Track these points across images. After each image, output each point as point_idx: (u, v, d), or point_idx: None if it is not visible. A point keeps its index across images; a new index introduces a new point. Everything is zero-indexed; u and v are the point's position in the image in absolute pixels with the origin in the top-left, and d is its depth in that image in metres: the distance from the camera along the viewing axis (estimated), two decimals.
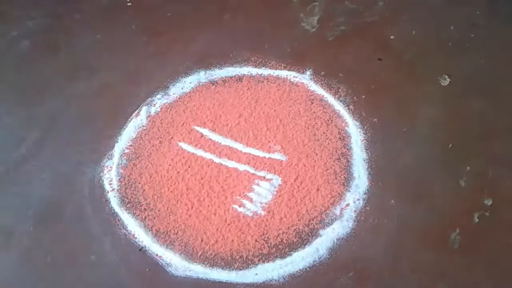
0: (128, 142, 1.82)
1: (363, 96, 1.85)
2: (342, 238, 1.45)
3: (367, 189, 1.56)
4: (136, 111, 2.15)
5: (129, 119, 2.10)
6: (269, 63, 2.03)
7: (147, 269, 1.42)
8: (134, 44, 2.56)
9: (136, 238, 1.50)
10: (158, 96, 2.23)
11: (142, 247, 1.46)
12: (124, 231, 1.51)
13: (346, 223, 1.47)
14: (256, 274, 1.37)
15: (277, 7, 2.27)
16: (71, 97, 2.22)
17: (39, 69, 2.41)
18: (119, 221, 1.52)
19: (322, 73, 1.96)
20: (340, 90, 1.89)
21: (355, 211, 1.49)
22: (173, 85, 2.29)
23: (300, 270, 1.39)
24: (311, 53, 2.05)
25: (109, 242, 1.47)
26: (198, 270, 1.41)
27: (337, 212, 1.49)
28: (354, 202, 1.52)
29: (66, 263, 1.46)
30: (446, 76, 1.88)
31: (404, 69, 1.90)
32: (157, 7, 2.74)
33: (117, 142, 1.93)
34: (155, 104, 2.20)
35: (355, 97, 1.86)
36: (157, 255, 1.45)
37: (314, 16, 2.19)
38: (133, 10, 2.79)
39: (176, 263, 1.42)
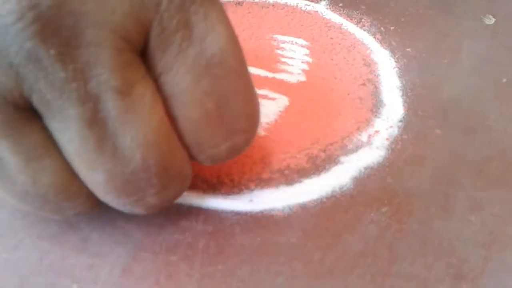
0: None
1: (392, 28, 1.50)
2: (372, 167, 1.05)
3: (403, 117, 1.18)
4: None
5: None
6: None
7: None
8: None
9: None
10: None
11: None
12: None
13: (377, 151, 1.08)
14: (251, 200, 0.95)
15: None
16: None
17: None
18: None
19: (341, 4, 1.61)
20: (363, 20, 1.54)
21: (387, 138, 1.10)
22: None
23: (314, 200, 0.98)
24: None
25: None
26: None
27: (364, 138, 1.10)
28: (386, 129, 1.13)
29: None
30: (491, 16, 1.57)
31: (439, 7, 1.57)
32: None
33: None
34: None
35: (382, 28, 1.51)
36: None
37: None
38: None
39: None
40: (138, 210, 0.65)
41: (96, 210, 0.74)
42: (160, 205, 0.65)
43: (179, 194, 0.67)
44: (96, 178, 0.57)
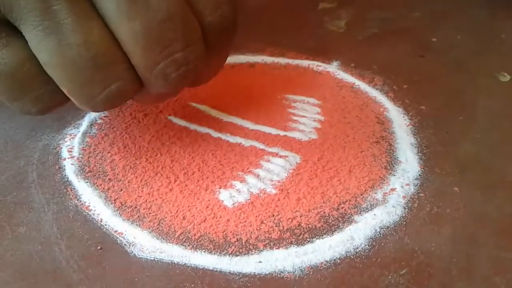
0: (103, 113, 1.43)
1: (405, 86, 1.50)
2: (388, 226, 1.00)
3: (419, 175, 1.14)
4: None
5: None
6: (288, 54, 1.69)
7: (98, 247, 0.96)
8: None
9: (91, 210, 1.05)
10: None
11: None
12: (76, 201, 1.07)
13: (393, 210, 1.03)
14: (260, 262, 0.91)
15: (297, 11, 2.01)
16: None
17: None
18: (71, 190, 1.09)
19: (352, 64, 1.62)
20: (375, 79, 1.53)
21: (404, 197, 1.06)
22: None
23: (327, 262, 0.93)
24: (337, 48, 1.73)
25: (51, 212, 1.03)
26: (173, 253, 0.95)
27: (379, 197, 1.05)
28: (402, 187, 1.09)
29: None
30: (506, 74, 1.55)
31: (452, 65, 1.57)
32: None
33: (89, 112, 1.52)
34: None
35: (394, 86, 1.50)
36: (116, 231, 1.00)
37: (340, 20, 1.91)
38: None
39: (143, 242, 0.96)
40: (170, 70, 0.76)
41: (136, 90, 0.84)
42: (186, 64, 0.77)
43: (197, 58, 0.79)
44: (134, 28, 0.68)
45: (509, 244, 0.93)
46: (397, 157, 1.15)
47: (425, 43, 1.66)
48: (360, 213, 1.00)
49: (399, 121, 1.27)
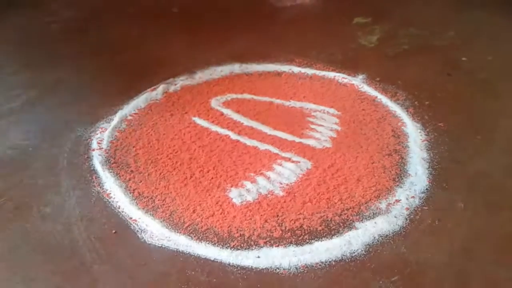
0: (134, 111, 1.53)
1: (427, 102, 1.52)
2: (387, 235, 1.04)
3: (426, 189, 1.17)
4: (153, 87, 1.89)
5: (142, 92, 1.83)
6: (316, 65, 1.75)
7: (113, 231, 1.04)
8: (168, 36, 2.45)
9: (111, 197, 1.15)
10: (182, 78, 1.99)
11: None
12: (99, 188, 1.17)
13: (394, 220, 1.07)
14: (258, 257, 0.96)
15: (332, 25, 2.06)
16: (84, 69, 2.04)
17: (59, 46, 2.30)
18: (96, 178, 1.19)
19: (378, 78, 1.65)
20: (398, 94, 1.56)
21: (407, 208, 1.10)
22: (201, 71, 2.04)
23: (322, 263, 0.97)
24: (366, 62, 1.77)
25: (75, 197, 1.12)
26: (180, 242, 1.03)
27: (383, 206, 1.09)
28: (407, 199, 1.12)
29: (15, 211, 1.11)
30: None
31: (478, 85, 1.59)
32: (202, 16, 2.68)
33: (121, 109, 1.63)
34: (176, 84, 1.93)
35: (416, 102, 1.53)
36: (131, 218, 1.08)
37: (373, 36, 1.94)
38: (177, 15, 2.75)
39: (153, 229, 1.04)
40: None
41: None
42: None
43: None
44: None
45: (505, 262, 0.94)
46: (407, 170, 1.18)
47: (455, 62, 1.68)
48: (361, 220, 1.04)
49: (415, 136, 1.30)
